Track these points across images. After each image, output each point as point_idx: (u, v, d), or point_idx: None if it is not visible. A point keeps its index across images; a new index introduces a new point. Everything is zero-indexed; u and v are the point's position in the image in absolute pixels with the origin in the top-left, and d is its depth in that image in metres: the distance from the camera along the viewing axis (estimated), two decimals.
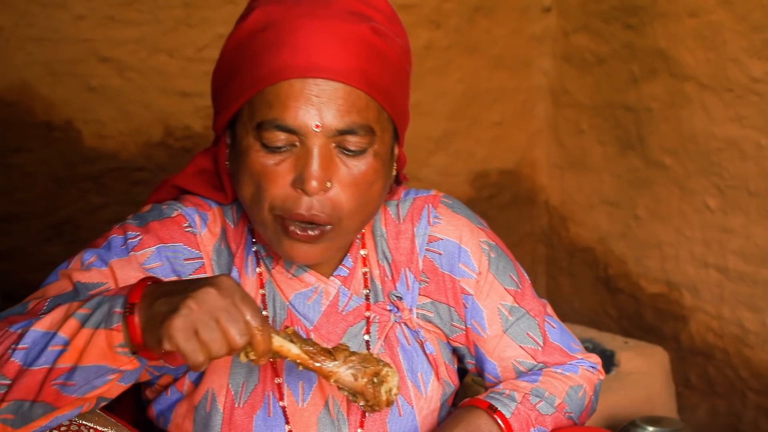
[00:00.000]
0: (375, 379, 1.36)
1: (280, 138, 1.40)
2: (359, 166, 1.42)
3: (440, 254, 1.60)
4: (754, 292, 2.81)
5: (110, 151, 2.86)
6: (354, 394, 1.37)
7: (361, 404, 1.37)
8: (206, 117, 2.91)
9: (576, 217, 3.43)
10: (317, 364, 1.33)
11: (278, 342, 1.30)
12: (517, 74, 3.44)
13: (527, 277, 1.69)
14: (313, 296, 1.54)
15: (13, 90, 2.71)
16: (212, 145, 1.62)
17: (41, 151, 2.77)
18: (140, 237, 1.49)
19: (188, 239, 1.52)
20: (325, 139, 1.40)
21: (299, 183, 1.39)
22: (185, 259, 1.51)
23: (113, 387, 1.35)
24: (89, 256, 1.47)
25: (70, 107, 2.78)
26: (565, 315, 3.33)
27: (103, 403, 1.38)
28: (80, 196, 2.83)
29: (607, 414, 2.53)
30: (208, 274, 1.52)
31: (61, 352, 1.25)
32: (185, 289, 1.23)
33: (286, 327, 1.35)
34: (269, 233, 1.45)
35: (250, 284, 1.54)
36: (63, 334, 1.25)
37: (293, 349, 1.32)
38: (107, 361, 1.26)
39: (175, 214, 1.53)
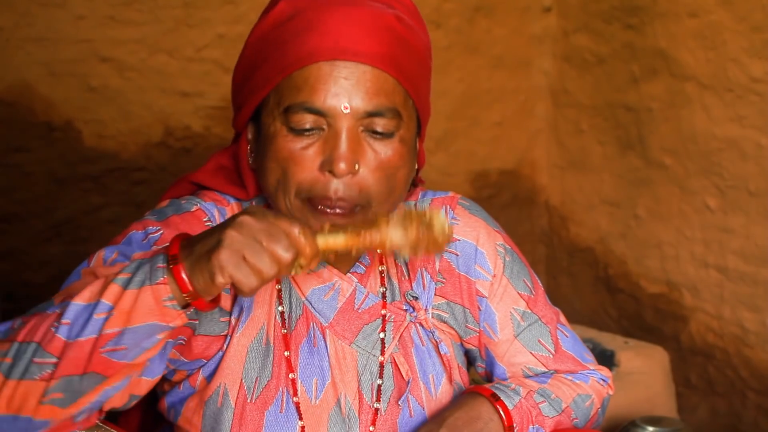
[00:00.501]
0: (425, 225, 1.35)
1: (309, 121, 1.41)
2: (386, 150, 1.44)
3: (457, 255, 1.60)
4: (754, 292, 2.81)
5: (110, 151, 2.86)
6: (413, 249, 1.35)
7: (423, 251, 1.35)
8: (206, 117, 2.91)
9: (576, 217, 3.43)
10: (367, 240, 1.33)
11: (322, 241, 1.31)
12: (517, 74, 3.44)
13: (541, 285, 1.68)
14: (329, 293, 1.54)
15: (13, 90, 2.71)
16: (232, 144, 1.62)
17: (41, 151, 2.77)
18: (161, 231, 1.48)
19: None
20: (353, 122, 1.41)
21: (328, 165, 1.40)
22: None
23: (141, 383, 1.35)
24: (110, 253, 1.45)
25: (70, 107, 2.78)
26: (566, 315, 3.31)
27: (135, 401, 1.38)
28: (80, 196, 2.83)
29: (608, 414, 2.52)
30: None
31: (107, 319, 1.25)
32: (221, 227, 1.25)
33: (321, 227, 1.34)
34: (296, 217, 1.44)
35: None
36: (106, 300, 1.26)
37: (339, 240, 1.32)
38: (156, 318, 1.26)
39: (194, 208, 1.53)
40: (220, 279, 1.22)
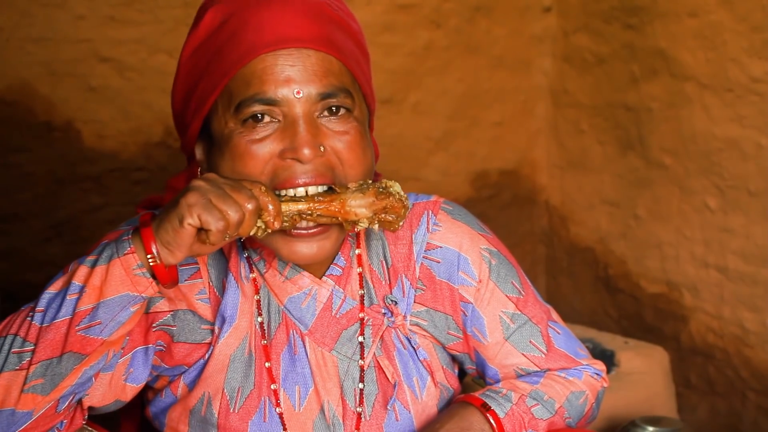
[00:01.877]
0: (381, 189, 1.41)
1: (261, 112, 1.40)
2: (346, 127, 1.43)
3: (438, 262, 1.58)
4: (754, 292, 2.81)
5: (110, 151, 2.86)
6: (374, 214, 1.40)
7: (382, 217, 1.41)
8: None
9: (576, 217, 3.44)
10: (326, 204, 1.38)
11: (284, 204, 1.37)
12: (517, 74, 3.44)
13: (530, 283, 1.67)
14: (306, 299, 1.53)
15: (13, 90, 2.72)
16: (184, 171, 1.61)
17: (41, 151, 2.77)
18: None
19: None
20: (308, 106, 1.40)
21: (291, 153, 1.39)
22: (181, 265, 1.50)
23: (126, 388, 1.39)
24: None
25: (70, 107, 2.78)
26: (565, 315, 3.31)
27: (120, 406, 1.40)
28: (80, 196, 2.83)
29: (607, 414, 2.53)
30: (204, 281, 1.52)
31: (79, 298, 1.30)
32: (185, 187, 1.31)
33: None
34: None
35: (245, 289, 1.53)
36: (77, 281, 1.32)
37: (300, 203, 1.38)
38: (128, 288, 1.31)
39: None
40: (189, 219, 1.27)
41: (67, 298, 1.31)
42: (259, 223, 1.34)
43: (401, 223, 1.42)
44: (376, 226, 1.42)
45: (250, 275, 1.54)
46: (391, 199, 1.40)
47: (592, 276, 3.39)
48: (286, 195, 1.39)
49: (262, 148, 1.40)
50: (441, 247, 1.59)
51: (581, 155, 3.37)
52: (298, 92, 1.39)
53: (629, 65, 3.12)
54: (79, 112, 2.79)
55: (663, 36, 2.98)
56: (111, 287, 1.30)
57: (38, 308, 1.32)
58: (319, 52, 1.41)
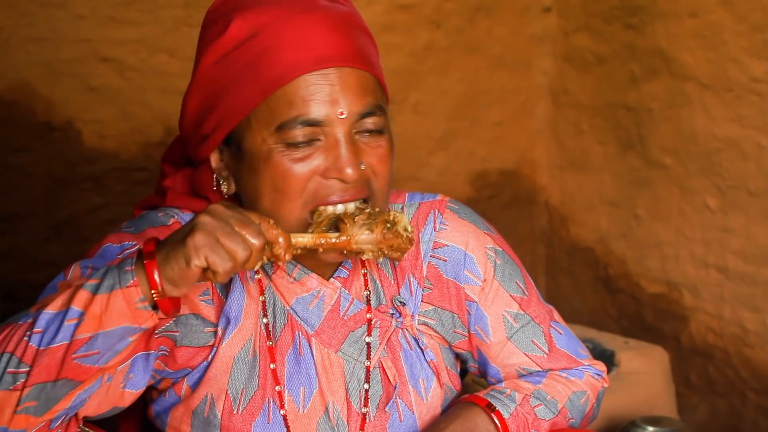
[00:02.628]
0: (389, 225, 1.40)
1: (305, 134, 1.40)
2: (380, 145, 1.45)
3: (445, 261, 1.59)
4: (754, 292, 2.81)
5: (110, 151, 2.86)
6: (378, 249, 1.40)
7: (386, 252, 1.40)
8: None
9: (576, 217, 3.43)
10: (333, 240, 1.38)
11: (291, 237, 1.35)
12: (517, 74, 3.44)
13: (533, 284, 1.67)
14: (314, 301, 1.53)
15: (13, 90, 2.71)
16: (168, 172, 1.60)
17: (41, 151, 2.77)
18: (137, 246, 1.47)
19: None
20: (348, 126, 1.41)
21: (334, 173, 1.41)
22: None
23: (124, 395, 1.37)
24: (86, 268, 1.45)
25: (70, 107, 2.78)
26: (565, 315, 3.30)
27: (117, 412, 1.39)
28: (80, 196, 2.83)
29: (607, 414, 2.53)
30: (207, 282, 1.51)
31: (78, 324, 1.27)
32: (193, 218, 1.28)
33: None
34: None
35: (250, 290, 1.53)
36: (76, 307, 1.27)
37: (306, 236, 1.37)
38: (128, 321, 1.28)
39: (171, 221, 1.52)
40: (195, 261, 1.24)
41: (65, 323, 1.27)
42: (272, 252, 1.33)
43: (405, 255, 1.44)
44: (380, 259, 1.43)
45: (255, 276, 1.53)
46: (398, 240, 1.40)
47: (592, 276, 3.39)
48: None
49: (304, 167, 1.41)
50: (448, 245, 1.59)
51: (581, 155, 3.37)
52: (341, 113, 1.41)
53: (629, 65, 3.12)
54: (79, 112, 2.79)
55: (663, 36, 2.98)
56: (111, 319, 1.27)
57: (36, 329, 1.28)
58: (358, 70, 1.42)
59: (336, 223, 1.40)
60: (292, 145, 1.41)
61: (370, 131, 1.44)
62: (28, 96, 2.73)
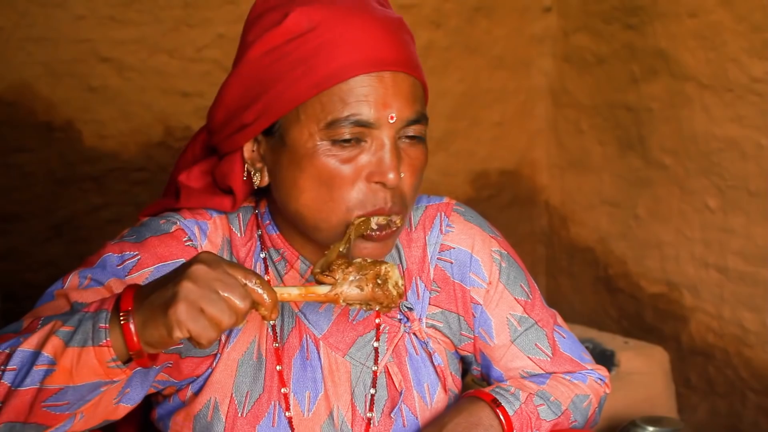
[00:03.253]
0: (379, 281, 1.36)
1: (353, 134, 1.39)
2: (418, 154, 1.45)
3: (451, 263, 1.59)
4: (754, 292, 2.81)
5: (110, 151, 2.85)
6: (367, 303, 1.36)
7: (376, 308, 1.37)
8: (206, 117, 2.91)
9: (576, 217, 3.43)
10: (322, 293, 1.33)
11: (279, 292, 1.29)
12: (517, 74, 3.44)
13: (537, 287, 1.67)
14: (324, 304, 1.53)
15: (13, 90, 2.71)
16: (183, 166, 1.59)
17: (41, 151, 2.77)
18: (138, 257, 1.46)
19: (189, 254, 1.48)
20: (395, 131, 1.41)
21: (378, 176, 1.40)
22: None
23: (118, 409, 1.35)
24: (84, 278, 1.43)
25: (70, 107, 2.78)
26: (565, 315, 3.31)
27: (109, 423, 1.38)
28: (80, 196, 2.83)
29: (607, 414, 2.53)
30: None
31: (47, 372, 1.23)
32: (174, 276, 1.22)
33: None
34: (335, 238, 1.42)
35: None
36: (47, 353, 1.23)
37: (294, 292, 1.32)
38: (99, 377, 1.24)
39: (173, 229, 1.50)
40: (177, 333, 1.19)
41: (35, 368, 1.23)
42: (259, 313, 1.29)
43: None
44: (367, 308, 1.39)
45: (265, 277, 1.53)
46: (387, 298, 1.36)
47: (592, 276, 3.39)
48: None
49: (349, 167, 1.40)
50: (454, 248, 1.59)
51: (581, 155, 3.37)
52: (392, 117, 1.40)
53: (629, 65, 3.12)
54: (79, 112, 2.79)
55: (663, 36, 2.98)
56: (81, 374, 1.23)
57: (10, 365, 1.24)
58: (410, 77, 1.43)
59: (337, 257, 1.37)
60: (339, 144, 1.40)
61: (411, 137, 1.44)
62: (28, 96, 2.73)
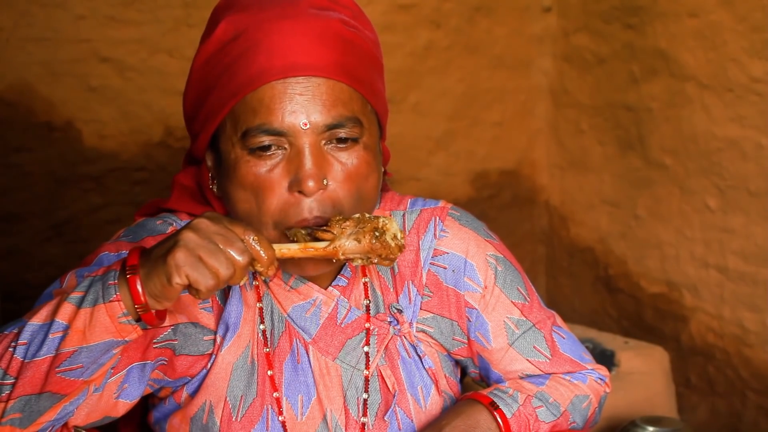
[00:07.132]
0: (377, 233, 1.36)
1: (269, 143, 1.38)
2: (352, 159, 1.41)
3: (445, 268, 1.58)
4: (754, 292, 2.81)
5: (110, 151, 2.86)
6: (366, 256, 1.36)
7: (375, 261, 1.37)
8: None
9: (576, 217, 3.44)
10: (320, 248, 1.35)
11: (277, 248, 1.32)
12: (517, 74, 3.44)
13: (534, 289, 1.67)
14: (311, 308, 1.53)
15: (13, 90, 2.71)
16: (184, 166, 1.59)
17: (41, 151, 2.77)
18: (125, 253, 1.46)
19: None
20: (314, 137, 1.38)
21: (296, 185, 1.38)
22: None
23: (118, 405, 1.37)
24: (82, 275, 1.44)
25: (70, 107, 2.78)
26: (565, 315, 3.32)
27: (109, 421, 1.39)
28: (80, 196, 2.83)
29: (607, 414, 2.53)
30: None
31: (62, 338, 1.26)
32: (177, 232, 1.25)
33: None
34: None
35: (248, 297, 1.52)
36: (61, 320, 1.26)
37: (293, 247, 1.34)
38: (112, 335, 1.27)
39: (169, 230, 1.51)
40: (176, 279, 1.22)
41: (50, 336, 1.26)
42: (255, 269, 1.30)
43: (396, 260, 1.41)
44: (372, 263, 1.40)
45: (254, 282, 1.53)
46: (386, 249, 1.37)
47: (592, 276, 3.39)
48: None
49: (270, 178, 1.38)
50: (448, 253, 1.58)
51: (581, 155, 3.37)
52: (305, 123, 1.37)
53: (629, 65, 3.12)
54: (79, 112, 2.79)
55: (663, 36, 2.98)
56: (95, 333, 1.26)
57: (21, 340, 1.27)
58: (329, 80, 1.39)
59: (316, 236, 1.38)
60: (256, 153, 1.38)
61: (341, 141, 1.40)
62: (28, 96, 2.73)
